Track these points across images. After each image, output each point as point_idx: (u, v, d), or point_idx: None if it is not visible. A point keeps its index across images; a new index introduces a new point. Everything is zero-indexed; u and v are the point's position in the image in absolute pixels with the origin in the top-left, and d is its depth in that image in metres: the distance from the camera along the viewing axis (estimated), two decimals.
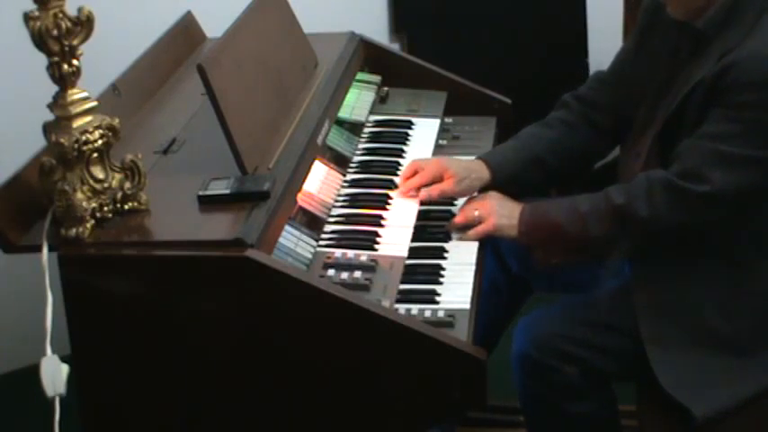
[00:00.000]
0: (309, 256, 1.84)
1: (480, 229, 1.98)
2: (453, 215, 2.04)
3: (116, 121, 1.78)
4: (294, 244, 1.82)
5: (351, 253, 1.87)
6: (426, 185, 2.06)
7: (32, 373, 1.71)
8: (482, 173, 2.08)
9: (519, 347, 1.98)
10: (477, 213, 2.00)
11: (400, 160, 2.24)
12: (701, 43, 1.90)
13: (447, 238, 2.00)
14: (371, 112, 2.41)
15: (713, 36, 1.88)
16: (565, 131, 2.17)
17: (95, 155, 1.76)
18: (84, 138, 1.72)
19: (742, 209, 1.87)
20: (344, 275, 1.79)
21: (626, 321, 1.93)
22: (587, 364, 1.94)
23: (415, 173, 2.08)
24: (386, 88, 2.51)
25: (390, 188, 2.11)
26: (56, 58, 1.70)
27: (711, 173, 1.82)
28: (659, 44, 2.02)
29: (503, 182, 2.08)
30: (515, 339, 2.00)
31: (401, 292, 1.81)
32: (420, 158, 2.16)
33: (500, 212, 1.99)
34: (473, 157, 2.14)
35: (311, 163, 2.04)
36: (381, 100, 2.48)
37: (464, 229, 2.00)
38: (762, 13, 1.84)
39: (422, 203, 2.06)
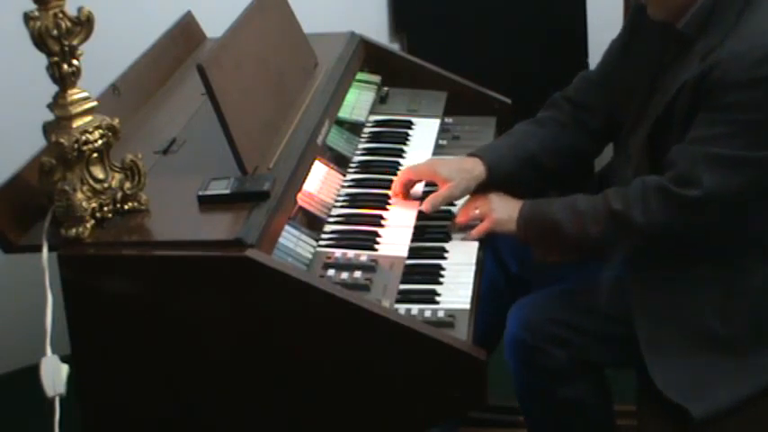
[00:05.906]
0: (309, 256, 1.84)
1: (482, 227, 1.99)
2: (453, 215, 2.04)
3: (116, 121, 1.78)
4: (294, 244, 1.82)
5: (351, 253, 1.87)
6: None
7: (32, 373, 1.71)
8: (477, 171, 2.05)
9: (511, 331, 2.01)
10: (477, 212, 2.00)
11: (400, 160, 2.24)
12: (684, 45, 1.90)
13: (447, 238, 2.00)
14: (371, 112, 2.41)
15: (695, 37, 1.88)
16: (557, 130, 2.16)
17: (95, 155, 1.76)
18: (84, 138, 1.72)
19: (736, 211, 1.87)
20: (344, 275, 1.79)
21: (623, 310, 1.93)
22: (577, 349, 1.96)
23: (408, 181, 2.07)
24: (386, 88, 2.51)
25: (390, 188, 2.10)
26: (56, 58, 1.70)
27: (701, 175, 1.82)
28: (645, 46, 2.02)
29: (498, 179, 2.06)
30: (509, 323, 2.03)
31: (401, 292, 1.81)
32: (412, 166, 2.12)
33: (500, 208, 2.00)
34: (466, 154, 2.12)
35: (311, 163, 2.04)
36: (381, 100, 2.48)
37: (466, 228, 2.00)
38: (741, 13, 1.84)
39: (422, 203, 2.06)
